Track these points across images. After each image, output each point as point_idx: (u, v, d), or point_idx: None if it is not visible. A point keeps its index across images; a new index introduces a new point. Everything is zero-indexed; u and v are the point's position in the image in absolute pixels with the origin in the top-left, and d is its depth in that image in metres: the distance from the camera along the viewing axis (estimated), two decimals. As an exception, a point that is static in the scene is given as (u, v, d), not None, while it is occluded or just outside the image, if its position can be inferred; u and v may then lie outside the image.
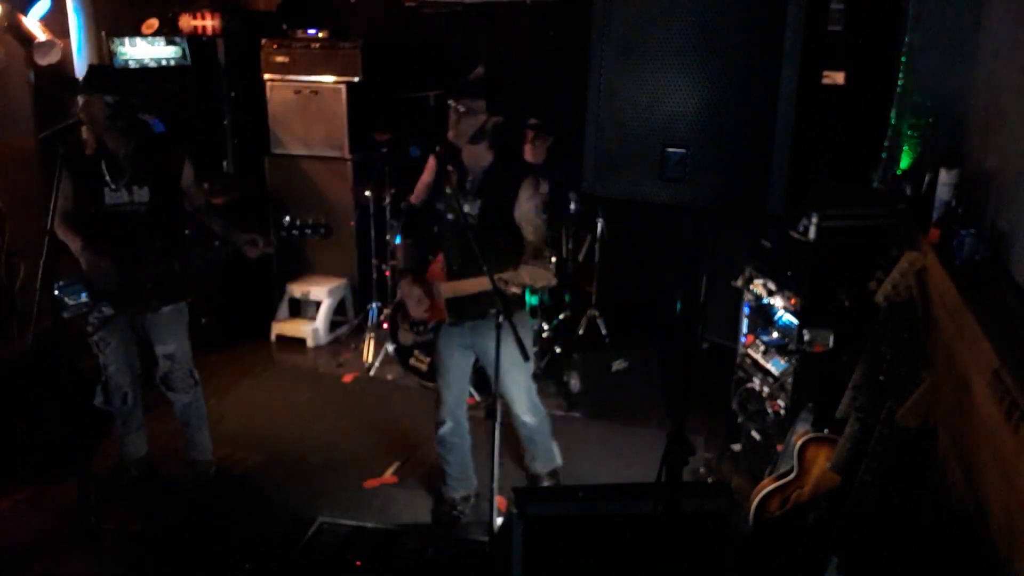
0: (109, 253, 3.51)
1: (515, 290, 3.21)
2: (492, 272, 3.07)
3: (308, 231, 3.72)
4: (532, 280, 3.14)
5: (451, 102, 3.30)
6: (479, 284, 3.22)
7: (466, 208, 3.34)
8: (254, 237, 3.65)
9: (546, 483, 3.90)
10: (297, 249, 6.04)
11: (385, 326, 5.33)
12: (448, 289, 3.40)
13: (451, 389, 3.67)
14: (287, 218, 3.74)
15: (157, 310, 3.66)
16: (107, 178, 3.52)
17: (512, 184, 3.32)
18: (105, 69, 4.58)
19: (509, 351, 3.15)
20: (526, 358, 3.06)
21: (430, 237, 3.61)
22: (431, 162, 3.55)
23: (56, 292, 3.55)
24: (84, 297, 3.54)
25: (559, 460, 3.91)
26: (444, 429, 3.70)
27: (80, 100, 3.43)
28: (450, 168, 3.37)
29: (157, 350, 3.75)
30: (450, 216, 3.42)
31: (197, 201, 3.75)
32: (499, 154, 3.38)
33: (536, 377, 4.93)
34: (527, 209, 3.32)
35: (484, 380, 4.26)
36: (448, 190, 3.35)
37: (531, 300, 3.59)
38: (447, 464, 3.78)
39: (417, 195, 3.61)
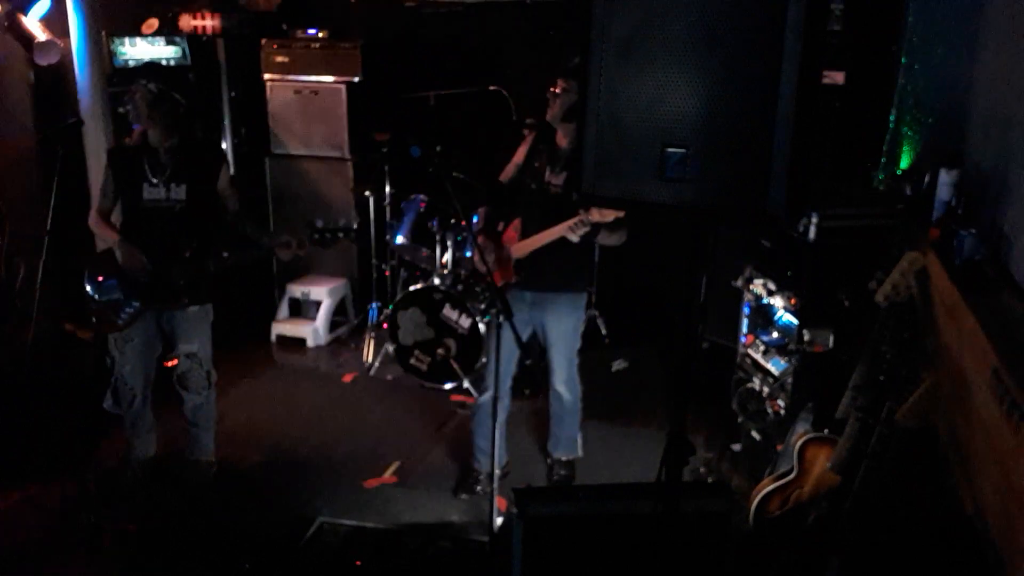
0: (144, 248, 3.58)
1: (585, 230, 3.45)
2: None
3: (340, 235, 3.79)
4: (602, 216, 3.38)
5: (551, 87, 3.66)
6: (546, 236, 3.55)
7: (552, 179, 3.68)
8: (288, 239, 3.71)
9: (563, 471, 4.10)
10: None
11: (384, 326, 5.33)
12: (520, 248, 3.69)
13: (503, 358, 3.70)
14: (319, 221, 3.80)
15: (185, 308, 3.71)
16: (148, 173, 3.58)
17: None
18: (156, 65, 4.81)
19: (562, 323, 3.79)
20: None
21: (511, 206, 3.89)
22: (525, 142, 3.86)
23: (88, 289, 3.64)
24: (118, 291, 3.63)
25: (580, 452, 4.11)
26: (487, 396, 3.76)
27: (131, 90, 3.54)
28: (541, 147, 3.74)
29: (180, 348, 3.78)
30: (533, 186, 3.72)
31: (232, 205, 3.78)
32: None
33: (535, 377, 4.97)
34: None
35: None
36: (537, 164, 3.72)
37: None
38: (478, 435, 3.92)
39: (506, 174, 3.90)
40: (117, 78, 4.97)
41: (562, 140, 3.70)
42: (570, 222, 3.45)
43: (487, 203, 3.98)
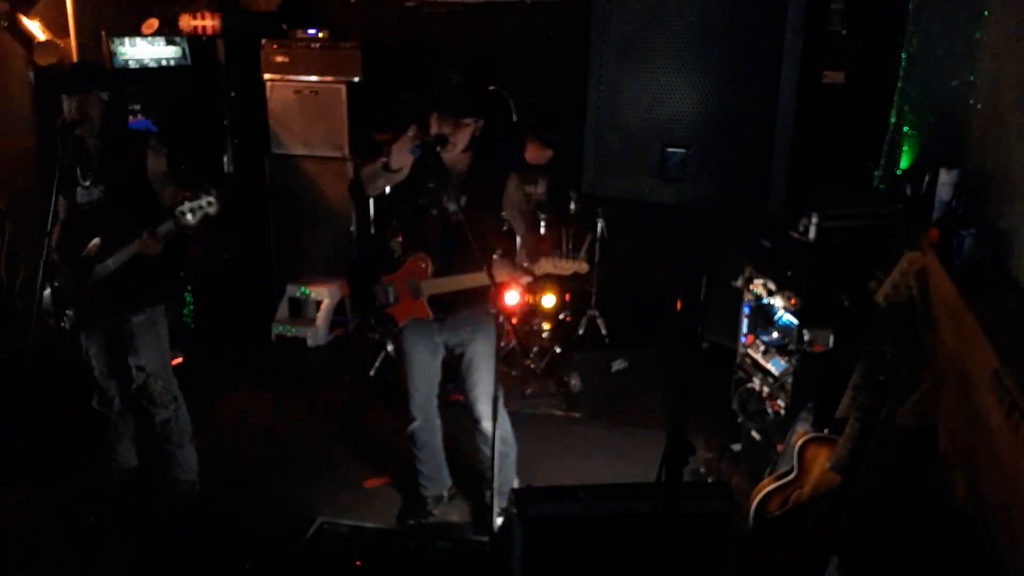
0: (65, 256, 3.43)
1: (527, 278, 3.21)
2: (489, 266, 3.07)
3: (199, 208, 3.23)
4: (558, 269, 3.12)
5: (435, 122, 3.22)
6: (471, 280, 3.20)
7: (451, 206, 3.28)
8: (144, 235, 3.28)
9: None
10: (297, 249, 6.05)
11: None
12: (435, 286, 3.35)
13: (419, 386, 3.59)
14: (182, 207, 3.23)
15: (126, 319, 3.50)
16: (79, 176, 3.42)
17: (497, 179, 3.35)
18: (91, 65, 4.43)
19: (480, 348, 3.27)
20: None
21: (407, 234, 3.51)
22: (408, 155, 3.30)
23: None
24: (60, 296, 3.53)
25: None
26: (414, 425, 3.64)
27: (74, 100, 3.29)
28: (429, 162, 3.24)
29: (129, 360, 3.59)
30: (434, 212, 3.35)
31: (168, 199, 3.39)
32: (477, 151, 3.35)
33: (536, 377, 4.98)
34: (517, 200, 3.36)
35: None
36: (431, 185, 3.31)
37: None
38: (419, 462, 3.73)
39: (370, 179, 3.32)
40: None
41: (458, 163, 3.32)
42: (519, 275, 3.16)
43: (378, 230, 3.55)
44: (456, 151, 3.27)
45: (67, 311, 3.53)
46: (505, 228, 3.76)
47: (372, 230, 5.56)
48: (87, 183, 3.42)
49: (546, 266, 3.13)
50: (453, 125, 3.21)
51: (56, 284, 3.53)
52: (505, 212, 3.38)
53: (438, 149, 3.20)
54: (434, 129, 3.21)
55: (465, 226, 3.14)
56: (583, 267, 3.16)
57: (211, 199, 3.23)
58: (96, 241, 3.37)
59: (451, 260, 3.30)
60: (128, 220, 3.36)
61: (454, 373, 3.62)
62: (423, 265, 3.38)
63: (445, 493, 3.85)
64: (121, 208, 3.41)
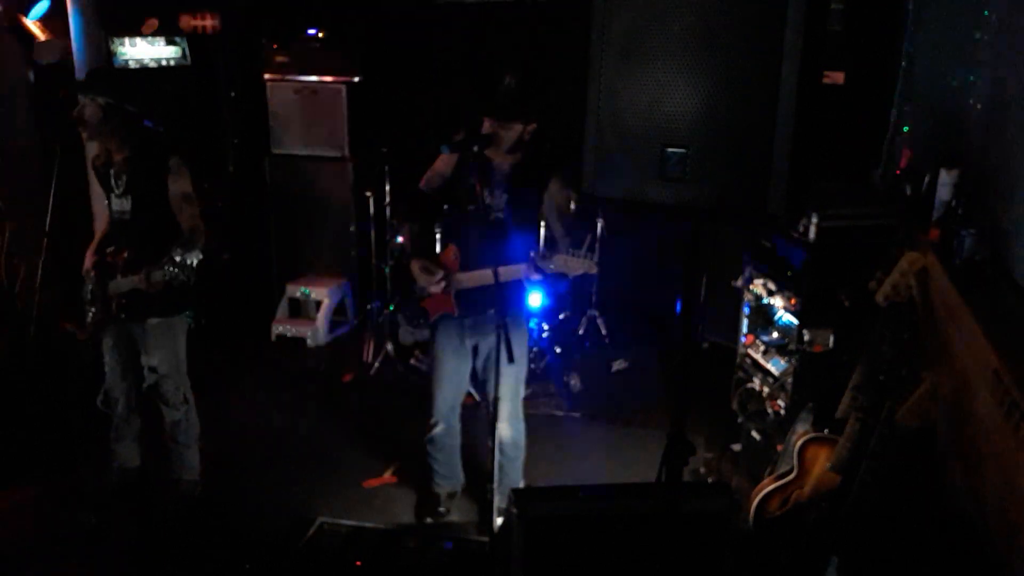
0: (95, 260, 3.53)
1: (538, 277, 3.17)
2: (498, 266, 3.08)
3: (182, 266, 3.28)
4: (568, 268, 3.08)
5: (487, 123, 3.27)
6: (501, 274, 3.19)
7: (491, 202, 3.33)
8: (144, 275, 3.30)
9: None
10: (297, 249, 6.05)
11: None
12: (465, 280, 3.37)
13: (445, 391, 3.60)
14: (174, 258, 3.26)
15: (143, 321, 3.55)
16: (113, 183, 3.50)
17: (540, 180, 3.35)
18: (105, 72, 4.50)
19: (504, 352, 3.18)
20: (510, 359, 3.05)
21: (443, 227, 3.57)
22: (451, 155, 3.44)
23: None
24: (88, 296, 3.57)
25: None
26: (436, 431, 3.64)
27: (80, 104, 3.38)
28: (472, 155, 3.31)
29: (143, 360, 3.63)
30: (471, 208, 3.37)
31: (184, 221, 3.44)
32: (528, 154, 3.37)
33: (535, 377, 4.97)
34: (558, 202, 3.35)
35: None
36: (472, 182, 3.34)
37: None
38: (435, 462, 3.74)
39: (428, 182, 3.51)
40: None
41: (502, 162, 3.34)
42: (529, 269, 3.12)
43: (410, 220, 3.58)
44: (500, 151, 3.31)
45: (90, 310, 3.59)
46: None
47: (372, 230, 5.56)
48: (118, 191, 3.50)
49: (559, 263, 3.09)
50: (498, 125, 3.25)
51: (87, 284, 3.60)
52: (544, 212, 3.37)
53: (475, 148, 3.24)
54: (485, 129, 3.27)
55: (502, 224, 3.19)
56: (592, 268, 3.11)
57: (173, 267, 3.23)
58: (126, 255, 3.46)
59: (483, 256, 3.29)
60: (154, 239, 3.42)
61: (475, 371, 3.64)
62: (453, 258, 3.42)
63: (459, 489, 3.86)
64: (147, 225, 3.48)
